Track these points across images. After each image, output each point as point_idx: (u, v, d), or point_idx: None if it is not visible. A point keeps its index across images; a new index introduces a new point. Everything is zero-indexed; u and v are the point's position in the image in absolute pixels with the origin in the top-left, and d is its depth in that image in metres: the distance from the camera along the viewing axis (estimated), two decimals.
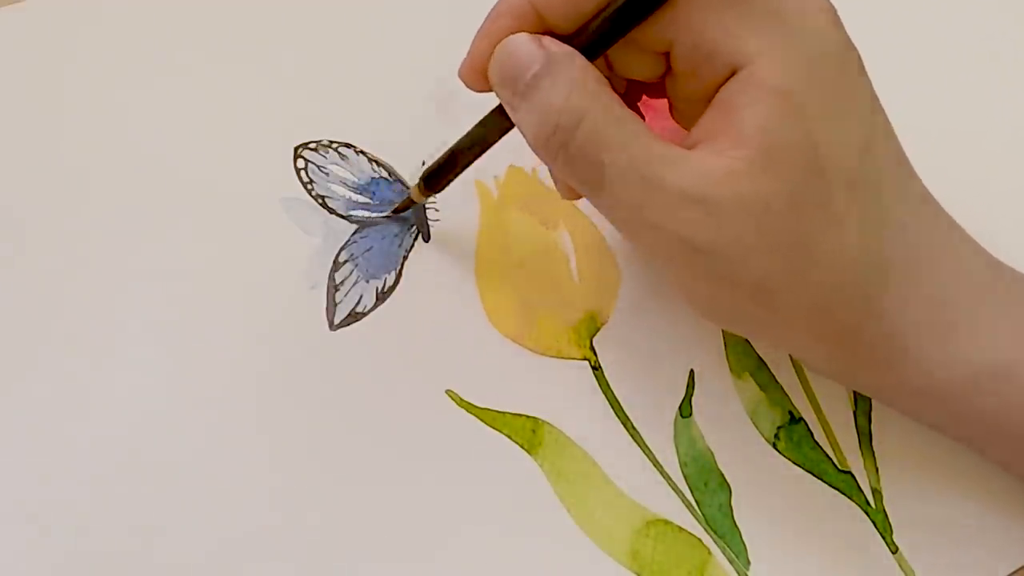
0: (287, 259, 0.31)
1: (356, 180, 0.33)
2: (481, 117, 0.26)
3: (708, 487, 0.28)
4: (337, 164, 0.33)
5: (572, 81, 0.22)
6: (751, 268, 0.22)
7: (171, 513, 0.28)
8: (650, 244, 0.23)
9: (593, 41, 0.23)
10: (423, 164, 0.33)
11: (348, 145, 0.33)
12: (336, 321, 0.30)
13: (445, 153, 0.27)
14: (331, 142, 0.33)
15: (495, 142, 0.26)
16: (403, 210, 0.31)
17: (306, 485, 0.28)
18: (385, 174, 0.33)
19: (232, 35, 0.36)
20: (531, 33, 0.23)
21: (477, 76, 0.24)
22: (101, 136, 0.34)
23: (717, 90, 0.22)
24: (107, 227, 0.32)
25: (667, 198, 0.22)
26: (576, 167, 0.23)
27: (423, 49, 0.35)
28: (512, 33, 0.23)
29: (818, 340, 0.24)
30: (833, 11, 0.23)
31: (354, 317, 0.30)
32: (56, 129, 0.34)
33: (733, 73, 0.22)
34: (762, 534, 0.27)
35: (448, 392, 0.29)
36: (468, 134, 0.26)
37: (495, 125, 0.25)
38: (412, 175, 0.33)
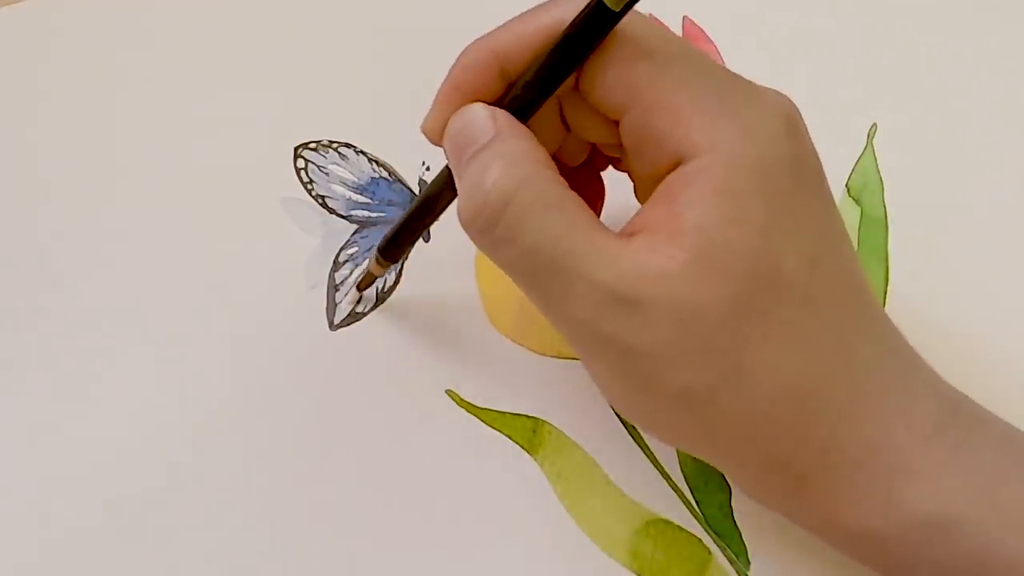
0: (287, 259, 0.31)
1: (356, 180, 0.33)
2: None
3: (708, 487, 0.28)
4: (337, 164, 0.33)
5: (508, 160, 0.21)
6: (676, 374, 0.21)
7: (169, 513, 0.28)
8: (572, 337, 0.22)
9: (521, 97, 0.22)
10: (423, 164, 0.33)
11: (348, 145, 0.33)
12: (336, 321, 0.30)
13: (398, 223, 0.26)
14: (331, 142, 0.33)
15: (445, 208, 0.25)
16: (368, 285, 0.30)
17: (306, 485, 0.28)
18: (385, 174, 0.33)
19: (232, 35, 0.36)
20: (490, 101, 0.22)
21: (437, 135, 0.23)
22: (100, 136, 0.34)
23: (664, 177, 0.21)
24: (107, 227, 0.32)
25: (593, 293, 0.20)
26: (500, 252, 0.22)
27: (423, 48, 0.35)
28: (476, 86, 0.23)
29: (743, 461, 0.22)
30: (794, 116, 0.22)
31: (354, 317, 0.31)
32: (55, 129, 0.34)
33: (679, 163, 0.21)
34: (762, 534, 0.27)
35: (448, 392, 0.29)
36: (418, 202, 0.25)
37: (444, 191, 0.24)
38: (412, 175, 0.33)
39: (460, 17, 0.35)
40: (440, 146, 0.23)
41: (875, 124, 0.33)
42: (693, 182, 0.20)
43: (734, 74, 0.22)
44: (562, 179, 0.22)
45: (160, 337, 0.30)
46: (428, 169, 0.33)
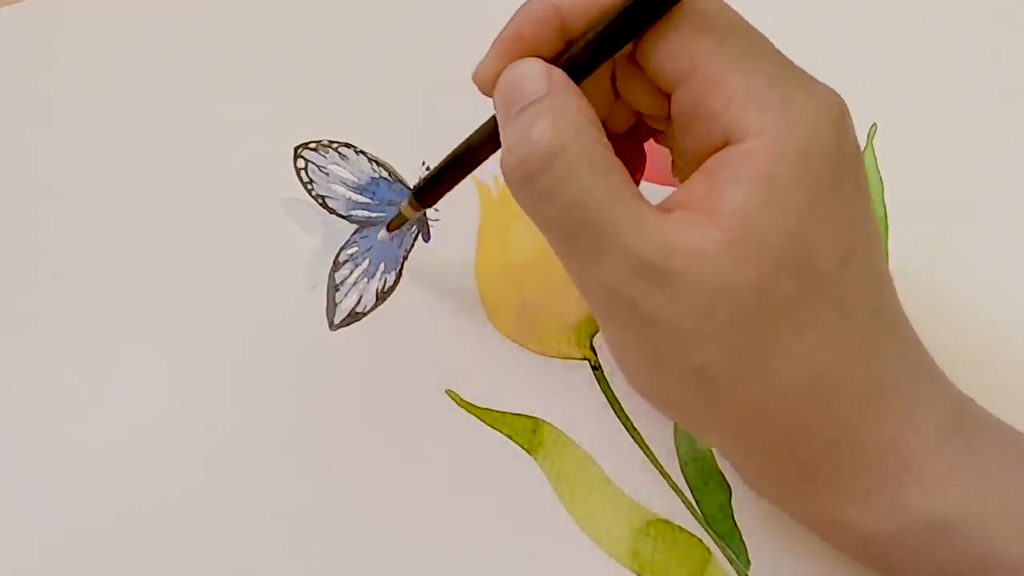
0: (287, 259, 0.31)
1: (356, 180, 0.33)
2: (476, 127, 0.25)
3: (708, 487, 0.28)
4: (337, 164, 0.33)
5: (559, 115, 0.21)
6: (697, 351, 0.21)
7: (169, 512, 0.28)
8: (597, 303, 0.22)
9: (578, 56, 0.22)
10: (423, 164, 0.33)
11: (348, 145, 0.33)
12: (336, 321, 0.30)
13: (437, 167, 0.26)
14: (331, 142, 0.33)
15: (487, 157, 0.25)
16: (398, 226, 0.30)
17: (306, 485, 0.28)
18: (385, 174, 0.33)
19: (232, 35, 0.36)
20: (547, 58, 0.22)
21: (489, 85, 0.23)
22: (100, 136, 0.34)
23: (709, 156, 0.21)
24: (107, 227, 0.32)
25: (626, 259, 0.20)
26: (538, 206, 0.22)
27: (423, 48, 0.35)
28: (534, 39, 0.22)
29: (751, 448, 0.22)
30: (843, 110, 0.22)
31: (354, 317, 0.31)
32: (55, 129, 0.34)
33: (726, 144, 0.21)
34: (762, 534, 0.27)
35: (448, 392, 0.29)
36: (459, 149, 0.25)
37: (486, 140, 0.24)
38: (412, 175, 0.33)
39: (461, 17, 0.35)
40: (489, 96, 0.23)
41: (875, 124, 0.33)
42: (737, 165, 0.20)
43: (789, 61, 0.22)
44: (608, 143, 0.22)
45: (160, 337, 0.30)
46: (428, 169, 0.33)
